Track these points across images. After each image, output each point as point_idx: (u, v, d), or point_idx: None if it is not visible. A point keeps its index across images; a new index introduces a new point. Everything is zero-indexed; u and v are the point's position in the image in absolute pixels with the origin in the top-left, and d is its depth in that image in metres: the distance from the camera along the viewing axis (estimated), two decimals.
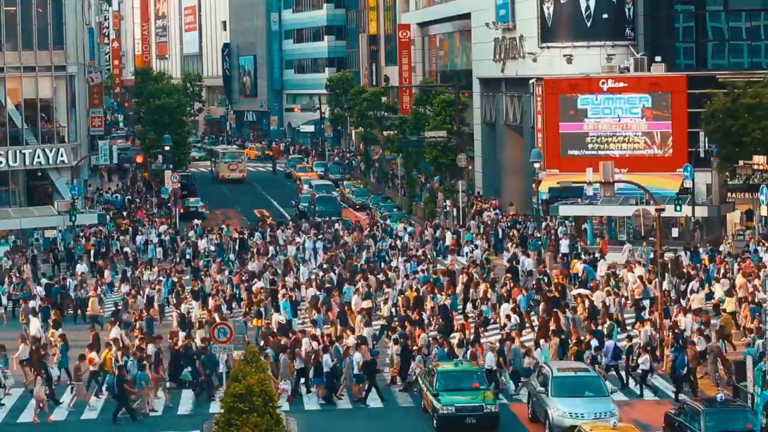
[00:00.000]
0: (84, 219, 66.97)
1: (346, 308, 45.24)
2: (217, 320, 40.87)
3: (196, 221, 74.74)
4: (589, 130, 65.48)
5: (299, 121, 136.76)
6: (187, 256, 61.47)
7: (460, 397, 33.50)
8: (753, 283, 45.44)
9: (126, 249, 63.78)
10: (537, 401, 33.58)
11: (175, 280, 51.50)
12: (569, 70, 67.87)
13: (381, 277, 51.96)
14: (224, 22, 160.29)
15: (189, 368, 37.92)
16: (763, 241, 55.32)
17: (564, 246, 57.86)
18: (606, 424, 29.84)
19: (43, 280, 53.82)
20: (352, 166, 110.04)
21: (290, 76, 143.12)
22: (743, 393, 34.24)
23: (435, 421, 33.65)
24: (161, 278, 52.21)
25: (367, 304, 46.60)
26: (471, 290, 49.00)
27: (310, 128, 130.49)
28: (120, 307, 47.47)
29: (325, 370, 36.78)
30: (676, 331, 39.36)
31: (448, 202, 75.83)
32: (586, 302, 44.55)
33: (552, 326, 40.52)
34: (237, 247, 63.09)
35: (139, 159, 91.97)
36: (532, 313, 45.28)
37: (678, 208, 57.23)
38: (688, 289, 46.90)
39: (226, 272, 54.02)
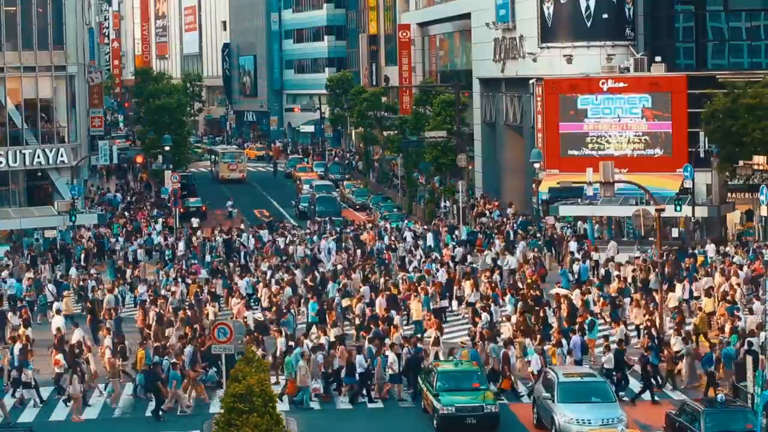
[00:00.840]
0: (84, 219, 66.97)
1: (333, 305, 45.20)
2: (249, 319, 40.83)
3: (194, 219, 74.93)
4: (589, 130, 65.46)
5: (299, 121, 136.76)
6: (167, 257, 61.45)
7: (461, 397, 33.49)
8: (730, 281, 45.64)
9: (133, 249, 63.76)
10: (542, 407, 33.07)
11: (190, 281, 51.52)
12: (569, 70, 67.86)
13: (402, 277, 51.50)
14: (224, 22, 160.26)
15: (214, 369, 38.02)
16: (740, 246, 55.45)
17: (572, 247, 57.27)
18: (614, 430, 29.78)
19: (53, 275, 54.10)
20: (352, 166, 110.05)
21: (290, 76, 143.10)
22: (743, 393, 34.24)
23: (435, 421, 33.63)
24: (178, 280, 52.23)
25: (346, 302, 46.74)
26: (455, 288, 49.03)
27: (310, 128, 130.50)
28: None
29: (358, 370, 36.70)
30: (652, 331, 39.38)
31: (448, 203, 75.81)
32: (566, 302, 44.56)
33: (522, 326, 40.78)
34: (224, 249, 62.98)
35: (139, 159, 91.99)
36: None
37: (678, 208, 57.19)
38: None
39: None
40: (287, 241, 63.56)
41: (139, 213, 79.24)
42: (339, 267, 54.96)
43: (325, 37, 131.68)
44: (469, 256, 57.32)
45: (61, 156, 72.87)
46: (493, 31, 75.71)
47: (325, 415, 35.76)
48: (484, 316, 42.34)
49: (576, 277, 51.02)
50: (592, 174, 47.01)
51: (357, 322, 44.83)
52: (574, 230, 62.57)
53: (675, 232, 60.29)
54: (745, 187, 60.79)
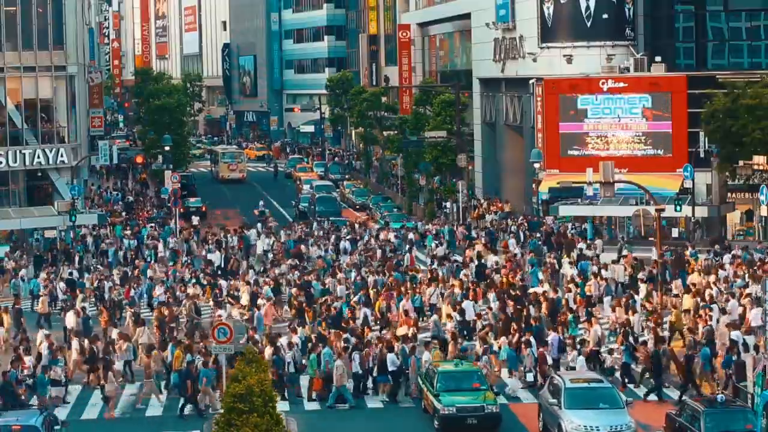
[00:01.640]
0: (84, 219, 66.97)
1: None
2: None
3: (194, 218, 74.97)
4: (589, 130, 65.49)
5: (299, 121, 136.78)
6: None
7: (461, 397, 33.42)
8: (708, 279, 45.78)
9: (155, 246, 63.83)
10: (548, 413, 32.41)
11: (205, 282, 51.42)
12: (569, 70, 67.88)
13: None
14: (224, 22, 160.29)
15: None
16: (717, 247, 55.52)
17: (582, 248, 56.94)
18: None
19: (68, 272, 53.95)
20: (352, 166, 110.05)
21: (290, 76, 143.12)
22: (743, 393, 34.23)
23: (436, 422, 33.56)
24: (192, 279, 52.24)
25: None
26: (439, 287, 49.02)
27: (310, 128, 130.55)
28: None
29: (390, 368, 36.68)
30: (627, 329, 39.49)
31: (448, 203, 75.81)
32: (545, 300, 44.60)
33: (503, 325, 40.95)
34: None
35: (139, 159, 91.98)
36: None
37: (678, 208, 57.19)
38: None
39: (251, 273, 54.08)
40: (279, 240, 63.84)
41: (141, 213, 79.25)
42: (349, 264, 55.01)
43: (325, 37, 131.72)
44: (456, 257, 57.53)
45: (61, 156, 72.84)
46: (493, 31, 75.73)
47: (325, 415, 35.74)
48: (455, 315, 42.73)
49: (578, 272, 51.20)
50: (592, 174, 47.11)
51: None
52: (581, 232, 62.48)
53: (675, 232, 60.34)
54: (745, 187, 60.79)
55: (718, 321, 40.04)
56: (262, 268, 56.55)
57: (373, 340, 38.84)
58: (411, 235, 64.53)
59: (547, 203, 64.35)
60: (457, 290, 46.92)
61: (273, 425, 27.70)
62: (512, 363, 38.18)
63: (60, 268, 58.35)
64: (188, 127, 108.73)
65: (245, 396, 27.50)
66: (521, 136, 73.49)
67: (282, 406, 33.83)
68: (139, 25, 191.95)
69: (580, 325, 42.04)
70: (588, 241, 59.03)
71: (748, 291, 44.18)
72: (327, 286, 49.43)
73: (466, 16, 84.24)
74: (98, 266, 59.08)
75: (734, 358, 35.29)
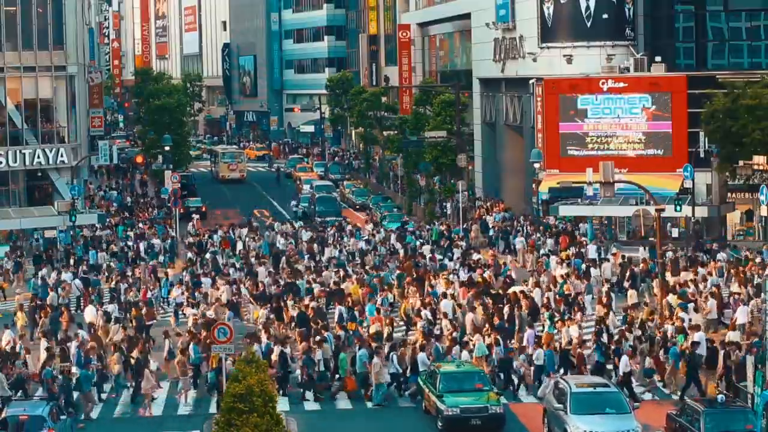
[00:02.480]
0: (84, 219, 66.95)
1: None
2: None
3: (195, 216, 75.02)
4: (589, 130, 65.47)
5: (299, 121, 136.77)
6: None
7: (465, 398, 33.40)
8: (686, 278, 46.19)
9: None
10: (554, 418, 32.13)
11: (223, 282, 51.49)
12: (569, 70, 67.87)
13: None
14: (224, 22, 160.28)
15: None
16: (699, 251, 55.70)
17: (591, 251, 56.29)
18: None
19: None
20: (352, 166, 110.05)
21: (290, 76, 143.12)
22: (743, 393, 34.25)
23: (439, 423, 33.50)
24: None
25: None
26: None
27: (310, 128, 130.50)
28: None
29: (421, 368, 36.71)
30: (600, 326, 39.64)
31: (448, 204, 75.79)
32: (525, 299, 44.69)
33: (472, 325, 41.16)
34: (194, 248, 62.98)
35: (139, 159, 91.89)
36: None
37: (678, 208, 57.19)
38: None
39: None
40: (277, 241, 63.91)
41: (141, 214, 79.24)
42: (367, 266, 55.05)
43: (325, 37, 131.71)
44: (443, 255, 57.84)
45: (61, 156, 72.85)
46: (493, 31, 75.72)
47: (325, 415, 35.77)
48: (425, 313, 42.97)
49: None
50: (592, 174, 47.04)
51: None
52: (591, 233, 62.47)
53: (675, 232, 60.35)
54: (745, 187, 60.79)
55: (690, 320, 40.28)
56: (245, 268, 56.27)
57: (408, 341, 39.30)
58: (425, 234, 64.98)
59: (547, 203, 64.40)
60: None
61: (273, 425, 27.72)
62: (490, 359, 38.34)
63: (60, 268, 58.18)
64: (188, 127, 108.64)
65: (245, 396, 27.51)
66: (521, 136, 73.48)
67: (282, 406, 33.88)
68: (139, 25, 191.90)
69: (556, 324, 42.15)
70: (585, 240, 59.40)
71: (733, 290, 44.76)
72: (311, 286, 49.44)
73: (466, 16, 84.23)
74: (110, 264, 58.92)
75: (687, 353, 36.13)
